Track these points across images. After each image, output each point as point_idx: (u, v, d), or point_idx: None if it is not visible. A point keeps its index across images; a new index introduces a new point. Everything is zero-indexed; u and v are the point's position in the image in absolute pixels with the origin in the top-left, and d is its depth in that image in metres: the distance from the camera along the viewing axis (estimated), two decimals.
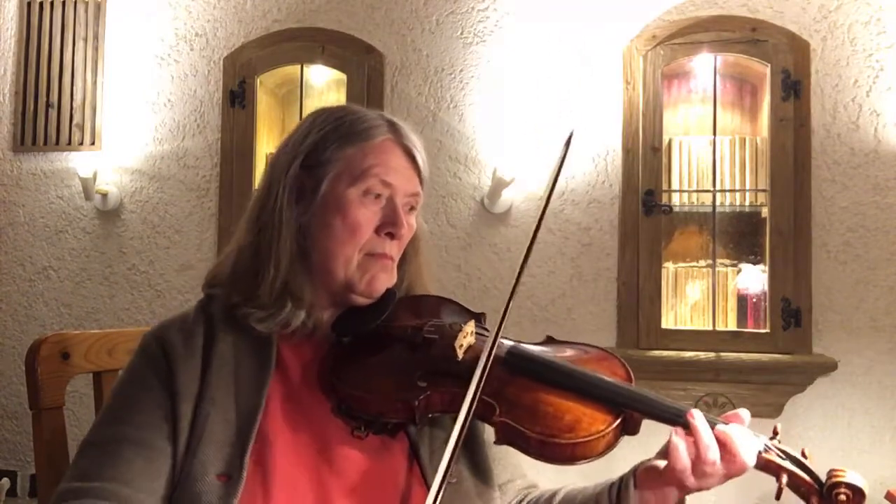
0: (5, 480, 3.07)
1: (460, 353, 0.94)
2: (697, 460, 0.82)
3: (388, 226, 0.99)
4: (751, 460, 0.83)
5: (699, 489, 0.84)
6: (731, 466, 0.83)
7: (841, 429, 2.60)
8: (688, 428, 0.84)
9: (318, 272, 1.00)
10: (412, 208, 1.04)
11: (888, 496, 2.34)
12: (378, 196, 0.99)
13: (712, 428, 0.84)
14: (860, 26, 2.63)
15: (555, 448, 0.85)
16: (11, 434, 3.12)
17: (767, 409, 2.59)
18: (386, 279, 1.01)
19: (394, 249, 1.02)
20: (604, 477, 0.95)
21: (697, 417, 0.84)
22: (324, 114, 1.04)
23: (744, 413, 0.88)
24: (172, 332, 0.98)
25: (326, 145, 0.99)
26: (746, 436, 0.84)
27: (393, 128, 1.02)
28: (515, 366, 0.94)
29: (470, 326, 0.98)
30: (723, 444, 0.83)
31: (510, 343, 0.97)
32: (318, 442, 0.92)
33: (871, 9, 2.63)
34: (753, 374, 2.60)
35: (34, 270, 3.15)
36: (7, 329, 3.17)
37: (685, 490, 0.85)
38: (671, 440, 0.84)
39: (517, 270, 0.95)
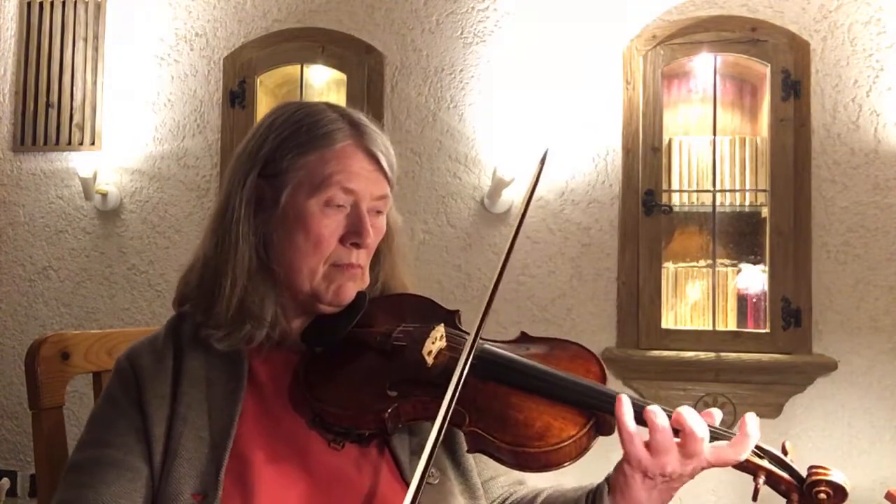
0: (5, 480, 3.06)
1: (430, 360, 0.92)
2: (651, 431, 0.80)
3: (353, 236, 0.95)
4: (702, 433, 0.79)
5: (660, 475, 0.81)
6: (686, 445, 0.80)
7: (841, 429, 2.59)
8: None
9: (282, 285, 0.97)
10: (380, 211, 1.00)
11: (888, 496, 2.34)
12: (341, 205, 0.95)
13: (669, 417, 0.82)
14: (860, 26, 2.63)
15: (526, 457, 0.84)
16: (11, 434, 3.12)
17: (767, 409, 2.59)
18: (354, 287, 0.98)
19: (361, 257, 0.98)
20: (597, 472, 0.95)
21: (654, 408, 0.82)
22: (281, 116, 0.98)
23: (715, 412, 0.85)
24: (143, 355, 0.96)
25: (284, 153, 0.95)
26: (700, 419, 0.81)
27: (355, 129, 0.97)
28: (484, 371, 0.90)
29: (439, 331, 0.95)
30: (676, 423, 0.80)
31: (479, 346, 0.92)
32: (296, 455, 0.91)
33: (871, 9, 2.63)
34: (753, 374, 2.60)
35: (34, 270, 3.15)
36: (7, 329, 3.17)
37: (646, 474, 0.82)
38: (615, 410, 0.81)
39: (492, 284, 0.90)
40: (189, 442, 0.89)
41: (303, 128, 0.96)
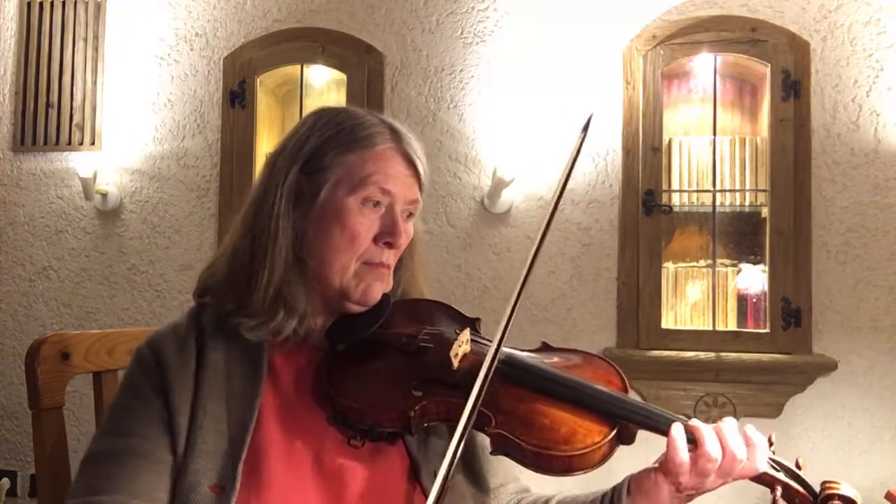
0: (5, 480, 3.06)
1: (456, 363, 0.94)
2: (699, 455, 0.83)
3: (387, 235, 0.98)
4: (741, 454, 0.84)
5: (691, 490, 0.85)
6: (725, 463, 0.84)
7: (841, 429, 2.59)
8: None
9: (313, 279, 0.99)
10: (410, 215, 1.04)
11: (888, 496, 2.34)
12: (377, 204, 0.98)
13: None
14: (860, 26, 2.63)
15: (551, 460, 0.86)
16: (11, 434, 3.12)
17: (767, 409, 2.59)
18: (381, 287, 1.00)
19: (391, 258, 1.01)
20: (602, 482, 0.95)
21: (699, 423, 0.86)
22: (324, 117, 1.02)
23: (730, 421, 0.89)
24: (166, 344, 0.97)
25: (326, 151, 0.98)
26: (738, 434, 0.85)
27: (395, 135, 1.01)
28: (511, 376, 0.93)
29: (465, 335, 0.98)
30: (720, 440, 0.84)
31: (507, 352, 0.95)
32: (313, 451, 0.91)
33: (871, 9, 2.63)
34: (753, 374, 2.60)
35: (34, 270, 3.15)
36: (7, 329, 3.17)
37: (678, 488, 0.85)
38: (671, 432, 0.84)
39: (522, 277, 0.92)
40: (208, 434, 0.89)
41: (345, 128, 0.99)
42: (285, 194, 0.97)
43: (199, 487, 0.86)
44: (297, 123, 1.05)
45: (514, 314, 0.90)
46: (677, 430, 0.84)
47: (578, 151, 0.97)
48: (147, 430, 0.90)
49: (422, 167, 1.03)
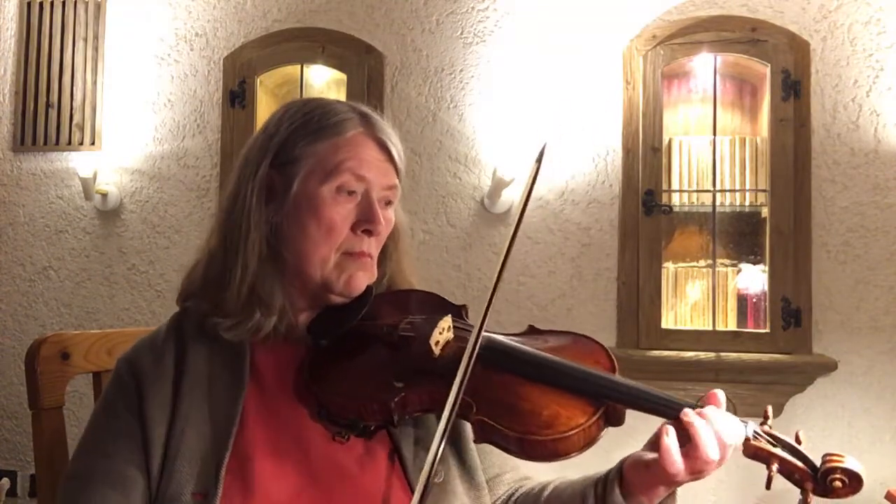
0: (5, 480, 3.06)
1: (437, 351, 0.92)
2: (695, 459, 0.79)
3: (365, 223, 0.96)
4: (737, 442, 0.81)
5: (685, 481, 0.82)
6: (721, 457, 0.81)
7: (841, 429, 2.60)
8: (676, 421, 0.83)
9: (293, 274, 0.97)
10: (389, 202, 1.01)
11: (888, 496, 2.34)
12: (352, 192, 0.95)
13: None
14: (860, 26, 2.63)
15: (534, 445, 0.83)
16: (11, 434, 3.12)
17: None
18: (365, 277, 0.98)
19: (372, 246, 0.98)
20: (601, 468, 0.94)
21: (692, 417, 0.82)
22: (292, 108, 1.00)
23: (720, 393, 0.86)
24: (143, 355, 0.96)
25: (296, 142, 0.96)
26: (729, 420, 0.82)
27: (365, 120, 0.99)
28: (491, 361, 0.89)
29: (446, 322, 0.95)
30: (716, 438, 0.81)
31: (487, 336, 0.92)
32: (298, 449, 0.90)
33: (871, 9, 2.63)
34: (753, 374, 2.60)
35: (34, 270, 3.15)
36: (7, 329, 3.17)
37: (675, 485, 0.83)
38: (662, 443, 0.80)
39: (495, 278, 0.89)
40: (191, 441, 0.88)
41: (314, 118, 0.97)
42: (256, 189, 0.95)
43: (183, 496, 0.85)
44: (266, 119, 1.03)
45: (494, 299, 0.87)
46: (669, 441, 0.80)
47: (534, 180, 0.92)
48: (118, 449, 0.90)
49: (396, 151, 0.99)
